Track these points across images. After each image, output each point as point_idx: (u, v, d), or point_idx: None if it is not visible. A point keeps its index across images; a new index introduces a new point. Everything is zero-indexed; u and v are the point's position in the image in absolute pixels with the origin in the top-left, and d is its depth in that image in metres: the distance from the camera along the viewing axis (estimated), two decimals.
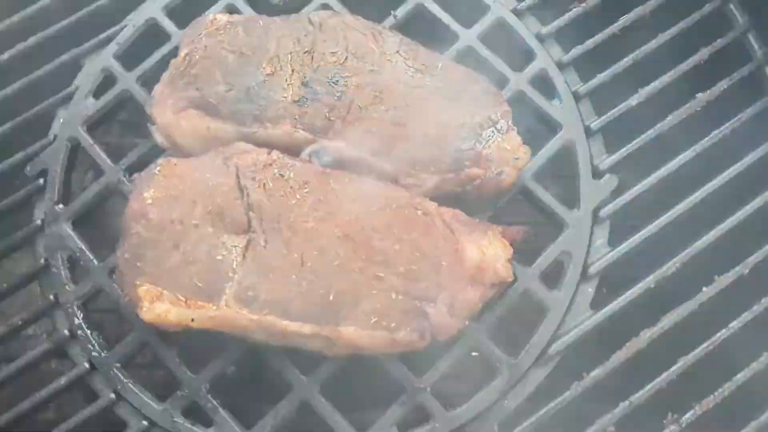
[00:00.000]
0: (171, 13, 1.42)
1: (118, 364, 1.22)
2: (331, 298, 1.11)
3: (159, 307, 1.11)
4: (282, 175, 1.17)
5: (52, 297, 1.26)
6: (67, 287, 1.26)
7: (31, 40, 1.41)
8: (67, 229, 1.29)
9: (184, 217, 1.15)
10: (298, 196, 1.16)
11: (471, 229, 1.17)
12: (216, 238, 1.14)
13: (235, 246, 1.14)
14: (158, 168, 1.19)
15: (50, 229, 1.30)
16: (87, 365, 1.22)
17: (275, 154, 1.20)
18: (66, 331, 1.24)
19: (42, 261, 1.28)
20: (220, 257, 1.13)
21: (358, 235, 1.14)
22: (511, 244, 1.18)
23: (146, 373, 1.24)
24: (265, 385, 1.22)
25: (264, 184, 1.16)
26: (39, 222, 1.31)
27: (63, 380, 1.22)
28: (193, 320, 1.11)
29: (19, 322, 1.25)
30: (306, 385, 1.18)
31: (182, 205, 1.15)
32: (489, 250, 1.15)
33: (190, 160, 1.21)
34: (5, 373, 1.22)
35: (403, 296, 1.12)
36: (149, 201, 1.16)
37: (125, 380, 1.21)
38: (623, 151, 1.32)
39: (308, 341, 1.13)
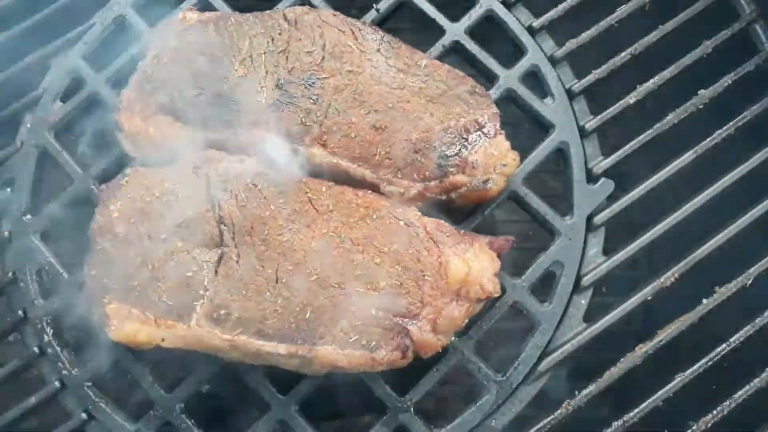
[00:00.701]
0: (141, 9, 1.34)
1: (89, 383, 1.17)
2: (307, 315, 1.05)
3: (128, 326, 1.06)
4: (255, 185, 1.11)
5: (20, 312, 1.21)
6: (36, 302, 1.21)
7: None
8: (36, 241, 1.23)
9: (152, 231, 1.09)
10: (272, 207, 1.10)
11: (456, 241, 1.10)
12: (186, 253, 1.08)
13: (206, 261, 1.08)
14: (125, 179, 1.13)
15: (18, 242, 1.24)
16: (57, 384, 1.18)
17: (248, 162, 1.13)
18: (35, 348, 1.20)
19: (10, 275, 1.23)
20: (190, 273, 1.08)
21: (336, 248, 1.08)
22: (498, 256, 1.11)
23: (118, 391, 1.19)
24: (241, 403, 1.17)
25: (236, 195, 1.10)
26: (6, 234, 1.25)
27: (33, 399, 1.18)
28: (163, 340, 1.06)
29: None
30: (284, 404, 1.13)
31: (150, 218, 1.10)
32: (475, 263, 1.09)
33: (159, 169, 1.14)
34: None
35: (384, 313, 1.06)
36: (115, 214, 1.10)
37: (96, 399, 1.17)
38: (620, 153, 1.25)
39: (284, 360, 1.07)
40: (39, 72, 1.33)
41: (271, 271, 1.07)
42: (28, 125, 1.31)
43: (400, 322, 1.06)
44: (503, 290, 1.15)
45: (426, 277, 1.08)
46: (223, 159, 1.13)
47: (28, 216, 1.26)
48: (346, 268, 1.07)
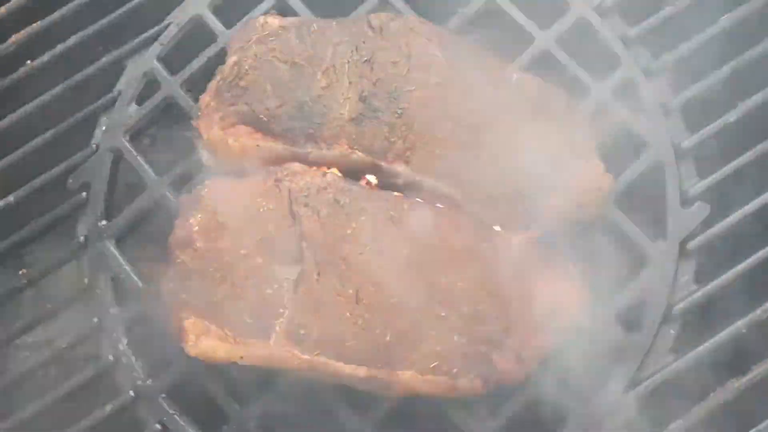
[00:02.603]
0: (217, 10, 1.31)
1: (163, 394, 1.17)
2: (387, 338, 1.02)
3: (205, 342, 1.04)
4: (337, 201, 1.08)
5: (96, 320, 1.21)
6: (111, 310, 1.21)
7: (72, 40, 1.32)
8: (111, 247, 1.22)
9: (232, 246, 1.07)
10: (354, 225, 1.06)
11: (545, 266, 1.06)
12: (266, 270, 1.06)
13: (286, 279, 1.05)
14: (205, 191, 1.10)
15: (93, 247, 1.23)
16: (132, 393, 1.18)
17: (331, 176, 1.10)
18: (110, 357, 1.19)
19: (86, 281, 1.22)
20: (270, 291, 1.05)
21: (418, 269, 1.04)
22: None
23: (193, 404, 1.18)
24: (316, 423, 1.16)
25: (318, 211, 1.07)
26: (82, 239, 1.24)
27: (108, 408, 1.17)
28: (241, 358, 1.04)
29: (63, 346, 1.21)
30: (358, 426, 1.11)
31: (230, 233, 1.07)
32: (563, 291, 1.04)
33: (240, 181, 1.12)
34: (48, 399, 1.18)
35: (467, 339, 1.02)
36: (195, 228, 1.08)
37: (171, 411, 1.16)
38: (717, 175, 1.18)
39: (363, 383, 1.05)
40: (115, 73, 1.31)
41: (351, 291, 1.04)
42: (104, 128, 1.29)
43: (484, 350, 1.02)
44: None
45: (512, 304, 1.04)
46: (305, 172, 1.10)
47: (104, 221, 1.25)
48: (428, 291, 1.03)
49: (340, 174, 1.13)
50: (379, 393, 1.08)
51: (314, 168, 1.12)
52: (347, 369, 1.03)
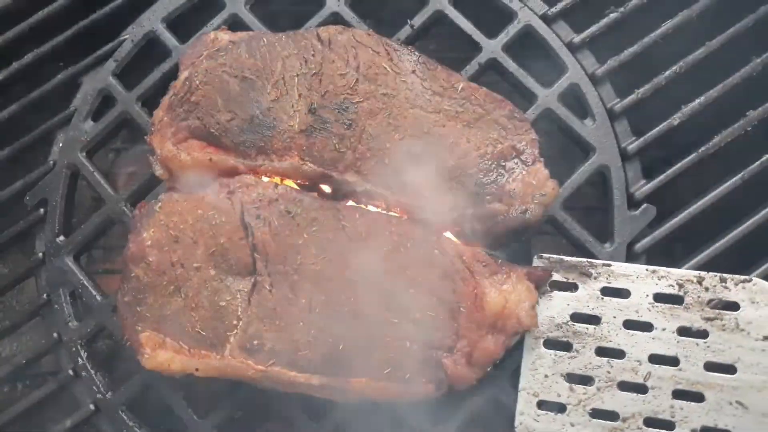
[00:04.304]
0: (171, 25, 1.32)
1: (123, 407, 1.18)
2: (341, 347, 1.04)
3: (161, 355, 1.06)
4: (289, 212, 1.09)
5: (55, 335, 1.22)
6: (70, 325, 1.22)
7: (28, 58, 1.33)
8: (69, 263, 1.24)
9: (185, 259, 1.08)
10: (305, 235, 1.08)
11: (493, 271, 1.08)
12: (219, 282, 1.08)
13: (239, 290, 1.07)
14: (159, 205, 1.11)
15: (52, 263, 1.24)
16: (92, 407, 1.19)
17: (282, 187, 1.12)
18: (70, 371, 1.20)
19: (44, 297, 1.23)
20: (223, 303, 1.07)
21: (369, 278, 1.06)
22: (536, 288, 1.09)
23: (152, 415, 1.19)
24: (273, 430, 1.17)
25: (269, 223, 1.09)
26: (40, 255, 1.25)
27: (68, 422, 1.19)
28: (197, 369, 1.06)
29: (23, 362, 1.22)
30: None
31: (183, 246, 1.09)
32: (512, 295, 1.06)
33: (193, 195, 1.13)
34: (10, 414, 1.19)
35: (418, 345, 1.04)
36: (148, 242, 1.09)
37: (131, 424, 1.18)
38: (663, 178, 1.20)
39: (317, 390, 1.07)
40: (71, 90, 1.32)
41: (304, 300, 1.06)
42: (60, 144, 1.30)
43: (435, 354, 1.04)
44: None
45: (461, 309, 1.06)
46: (257, 184, 1.11)
47: (62, 237, 1.26)
48: (379, 298, 1.05)
49: (294, 185, 1.15)
50: (334, 399, 1.10)
51: (267, 179, 1.14)
52: (301, 378, 1.04)
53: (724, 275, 1.09)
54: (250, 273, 1.08)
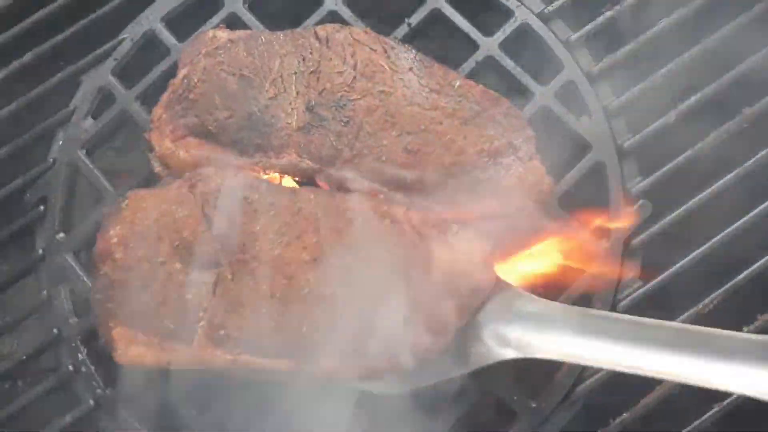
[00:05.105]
0: (170, 24, 1.33)
1: (123, 403, 1.19)
2: (304, 330, 1.03)
3: (133, 350, 1.06)
4: (246, 199, 1.09)
5: (55, 331, 1.23)
6: (69, 321, 1.23)
7: (28, 57, 1.34)
8: (69, 260, 1.25)
9: (150, 255, 1.08)
10: (262, 221, 1.08)
11: (441, 231, 1.06)
12: (185, 275, 1.07)
13: (204, 282, 1.07)
14: (125, 202, 1.12)
15: (52, 260, 1.25)
16: (92, 403, 1.20)
17: (242, 176, 1.11)
18: (70, 367, 1.21)
19: (44, 294, 1.24)
20: (189, 295, 1.07)
21: (326, 257, 1.06)
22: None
23: (152, 411, 1.20)
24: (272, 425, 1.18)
25: (228, 212, 1.08)
26: (40, 252, 1.26)
27: (68, 418, 1.19)
28: (169, 362, 1.06)
29: (23, 358, 1.23)
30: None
31: (148, 242, 1.09)
32: (459, 250, 1.04)
33: (157, 191, 1.13)
34: (10, 410, 1.20)
35: (378, 319, 1.02)
36: (114, 240, 1.09)
37: (131, 419, 1.18)
38: (659, 174, 1.21)
39: (286, 375, 1.05)
40: (71, 89, 1.33)
41: (265, 287, 1.05)
42: (60, 142, 1.31)
43: (396, 327, 1.02)
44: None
45: (414, 277, 1.04)
46: (217, 175, 1.11)
47: (61, 234, 1.27)
48: (337, 277, 1.05)
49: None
50: (310, 385, 1.08)
51: (230, 171, 1.12)
52: (269, 363, 1.04)
53: None
54: (213, 264, 1.07)
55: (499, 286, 1.05)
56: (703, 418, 1.11)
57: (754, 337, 0.93)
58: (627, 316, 1.00)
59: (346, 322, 1.03)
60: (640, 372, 0.96)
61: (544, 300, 1.04)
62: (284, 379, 1.06)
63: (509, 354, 1.02)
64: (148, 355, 1.05)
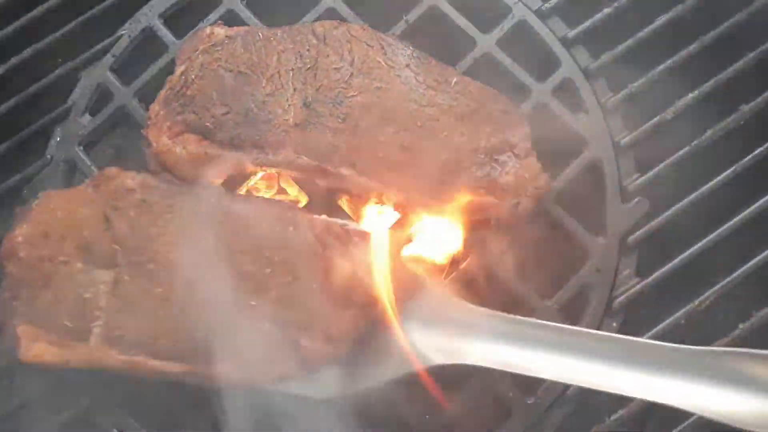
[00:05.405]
0: (168, 20, 1.34)
1: (120, 400, 1.19)
2: (199, 333, 1.04)
3: (36, 347, 1.06)
4: (144, 201, 1.10)
5: None
6: None
7: (27, 53, 1.35)
8: None
9: (53, 254, 1.09)
10: (160, 223, 1.09)
11: (344, 241, 1.07)
12: (85, 275, 1.08)
13: (103, 282, 1.07)
14: (36, 202, 1.12)
15: None
16: (88, 400, 1.20)
17: (141, 177, 1.12)
18: None
19: None
20: (88, 295, 1.07)
21: (226, 261, 1.06)
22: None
23: (149, 409, 1.20)
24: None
25: (126, 213, 1.09)
26: None
27: (65, 414, 1.19)
28: (68, 361, 1.06)
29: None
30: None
31: (52, 241, 1.09)
32: (358, 263, 1.05)
33: (66, 191, 1.15)
34: (6, 408, 1.20)
35: (277, 326, 1.04)
36: (19, 239, 1.09)
37: (128, 417, 1.18)
38: (656, 171, 1.21)
39: (185, 378, 1.06)
40: (69, 85, 1.33)
41: (160, 290, 1.06)
42: (58, 139, 1.31)
43: (293, 335, 1.03)
44: (533, 313, 1.13)
45: (314, 286, 1.05)
46: (119, 176, 1.12)
47: None
48: (235, 281, 1.05)
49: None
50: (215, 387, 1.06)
51: (131, 172, 1.12)
52: (163, 366, 1.04)
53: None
54: (112, 265, 1.08)
55: (427, 287, 1.07)
56: (695, 416, 1.10)
57: (683, 348, 0.95)
58: (553, 324, 1.01)
59: (241, 326, 1.03)
60: (562, 380, 0.99)
61: (471, 305, 1.04)
62: (186, 380, 1.06)
63: (438, 359, 1.02)
64: (49, 353, 1.05)
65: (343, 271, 1.05)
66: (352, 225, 1.10)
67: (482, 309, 1.05)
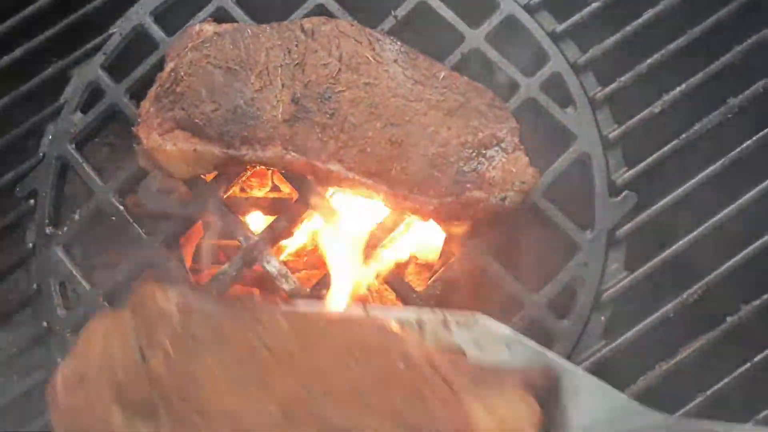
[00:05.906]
0: (159, 18, 1.34)
1: None
2: None
3: None
4: (186, 329, 0.82)
5: (45, 323, 1.24)
6: (59, 314, 1.24)
7: (18, 52, 1.35)
8: (59, 253, 1.25)
9: (89, 405, 0.82)
10: (207, 361, 0.80)
11: (478, 382, 0.80)
12: (128, 428, 0.80)
13: None
14: (78, 336, 0.90)
15: (42, 254, 1.26)
16: None
17: (180, 295, 0.85)
18: (60, 359, 1.22)
19: (34, 286, 1.25)
20: None
21: (307, 411, 0.76)
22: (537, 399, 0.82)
23: None
24: None
25: (162, 344, 0.82)
26: (30, 246, 1.27)
27: None
28: None
29: (14, 351, 1.24)
30: None
31: (88, 387, 0.83)
32: (508, 414, 0.79)
33: (108, 316, 0.89)
34: (1, 402, 1.21)
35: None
36: (59, 389, 0.85)
37: None
38: (644, 165, 1.21)
39: None
40: (61, 83, 1.34)
41: None
42: (50, 137, 1.32)
43: None
44: (521, 306, 1.14)
45: None
46: (155, 295, 0.86)
47: (51, 228, 1.28)
48: None
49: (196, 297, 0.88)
50: None
51: (167, 290, 0.87)
52: None
53: (446, 316, 0.90)
54: (152, 413, 0.80)
55: (606, 396, 0.84)
56: (689, 406, 1.11)
57: None
58: None
59: None
60: None
61: (658, 413, 0.81)
62: None
63: None
64: None
65: (487, 422, 0.77)
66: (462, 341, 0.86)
67: (673, 416, 0.85)
